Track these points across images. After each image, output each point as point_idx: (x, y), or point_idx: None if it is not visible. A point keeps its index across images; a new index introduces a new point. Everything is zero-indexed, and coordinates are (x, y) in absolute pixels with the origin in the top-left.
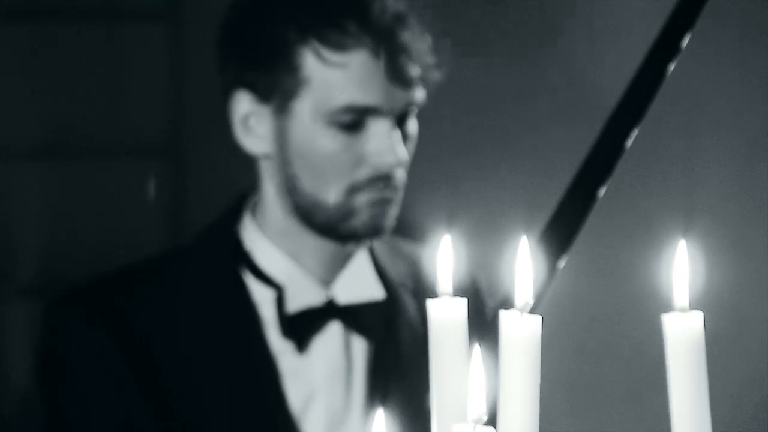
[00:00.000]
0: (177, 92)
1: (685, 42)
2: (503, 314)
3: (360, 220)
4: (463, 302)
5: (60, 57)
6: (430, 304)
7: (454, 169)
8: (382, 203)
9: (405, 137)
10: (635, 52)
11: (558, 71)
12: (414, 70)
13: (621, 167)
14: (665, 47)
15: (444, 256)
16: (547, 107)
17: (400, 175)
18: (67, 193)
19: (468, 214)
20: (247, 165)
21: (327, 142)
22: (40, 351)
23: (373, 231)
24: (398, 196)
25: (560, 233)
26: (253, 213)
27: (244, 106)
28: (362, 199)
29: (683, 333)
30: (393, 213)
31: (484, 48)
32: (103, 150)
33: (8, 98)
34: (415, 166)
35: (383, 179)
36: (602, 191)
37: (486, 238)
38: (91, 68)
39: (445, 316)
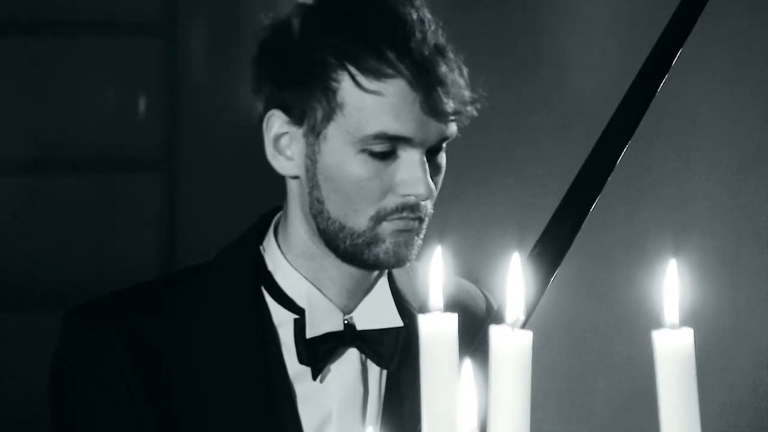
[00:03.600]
0: (171, 107)
1: (675, 59)
2: (493, 329)
3: (384, 249)
4: (454, 317)
5: (53, 70)
6: (421, 319)
7: (444, 186)
8: (407, 233)
9: (435, 169)
10: (627, 69)
11: (550, 88)
12: (449, 105)
13: (612, 184)
14: (656, 64)
15: (435, 268)
16: (539, 123)
17: (428, 207)
18: (60, 207)
19: (459, 229)
20: (238, 181)
21: (357, 168)
22: (53, 361)
23: (396, 260)
24: (423, 227)
25: (551, 249)
26: (277, 233)
27: (276, 126)
28: (388, 228)
29: (673, 349)
30: (417, 243)
31: (477, 65)
32: (96, 164)
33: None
34: None
35: (410, 209)
36: (593, 207)
37: (477, 253)
38: (84, 82)
39: (436, 330)
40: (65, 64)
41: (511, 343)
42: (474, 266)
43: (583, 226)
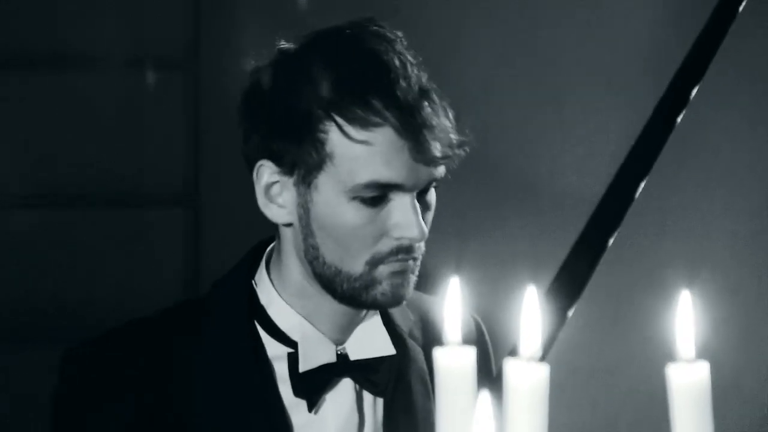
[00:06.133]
0: (194, 141)
1: (693, 93)
2: (509, 362)
3: (381, 290)
4: (471, 350)
5: (77, 105)
6: (437, 352)
7: (462, 219)
8: (403, 274)
9: (425, 207)
10: (646, 103)
11: (570, 124)
12: (437, 149)
13: (631, 218)
14: (674, 98)
15: (452, 299)
16: (557, 158)
17: (421, 247)
18: (84, 242)
19: (476, 263)
20: (262, 214)
21: (350, 216)
22: (54, 402)
23: (394, 300)
24: (418, 264)
25: (570, 283)
26: (270, 269)
27: (267, 176)
28: (384, 270)
29: (689, 383)
30: (413, 280)
31: (493, 100)
32: (121, 199)
33: (26, 146)
34: None
35: (405, 251)
36: (612, 241)
37: (493, 287)
38: (108, 117)
39: (453, 364)
40: (89, 99)
41: (526, 377)
42: (490, 300)
43: (601, 260)
